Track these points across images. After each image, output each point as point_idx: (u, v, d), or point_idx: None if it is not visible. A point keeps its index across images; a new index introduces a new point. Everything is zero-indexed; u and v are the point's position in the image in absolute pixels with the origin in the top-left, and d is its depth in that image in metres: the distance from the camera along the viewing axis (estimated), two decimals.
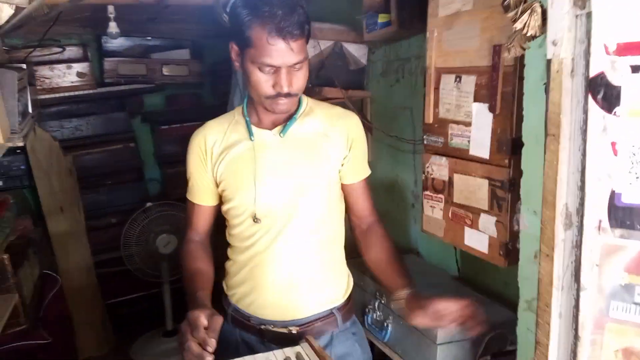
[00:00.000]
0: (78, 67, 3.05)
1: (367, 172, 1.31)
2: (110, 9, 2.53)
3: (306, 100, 1.30)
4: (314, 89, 2.10)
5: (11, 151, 2.98)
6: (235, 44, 1.16)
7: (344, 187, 1.30)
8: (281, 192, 1.22)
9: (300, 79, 1.15)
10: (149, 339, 3.10)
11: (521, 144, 1.08)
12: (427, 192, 1.45)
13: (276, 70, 1.11)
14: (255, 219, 1.23)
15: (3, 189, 2.96)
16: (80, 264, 3.06)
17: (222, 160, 1.25)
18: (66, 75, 3.00)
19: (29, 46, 2.88)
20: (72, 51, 3.14)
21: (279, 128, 1.23)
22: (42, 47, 2.97)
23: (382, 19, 1.86)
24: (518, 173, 1.11)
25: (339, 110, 1.30)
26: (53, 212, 2.99)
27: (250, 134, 1.23)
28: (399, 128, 2.09)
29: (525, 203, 1.04)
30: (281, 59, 1.09)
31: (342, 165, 1.26)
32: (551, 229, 0.93)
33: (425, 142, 1.46)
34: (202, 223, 1.33)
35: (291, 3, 1.09)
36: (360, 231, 1.33)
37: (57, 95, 3.00)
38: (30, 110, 2.31)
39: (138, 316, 3.29)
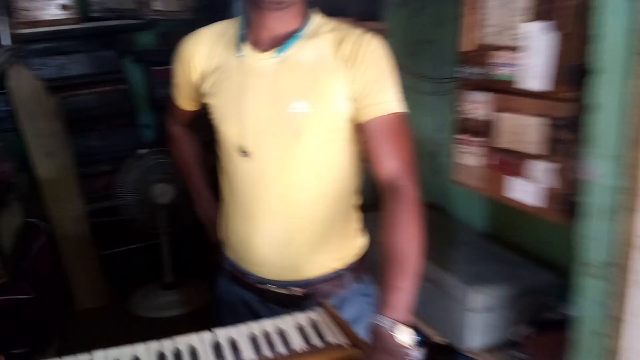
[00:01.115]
0: None
1: (389, 108, 0.99)
2: None
3: (316, 20, 1.06)
4: None
5: None
6: None
7: (363, 129, 1.02)
8: (272, 128, 1.03)
9: None
10: (148, 292, 2.98)
11: (587, 72, 0.86)
12: (461, 136, 1.23)
13: None
14: (243, 152, 1.04)
15: None
16: (72, 213, 2.89)
17: (208, 79, 1.08)
18: (48, 7, 2.71)
19: None
20: None
21: (273, 50, 1.01)
22: None
23: None
24: (581, 109, 0.89)
25: (354, 31, 1.03)
26: (41, 157, 2.79)
27: (239, 50, 1.03)
28: (418, 66, 1.85)
29: (598, 146, 0.84)
30: None
31: (354, 99, 1.01)
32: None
33: (459, 75, 1.23)
34: (182, 118, 1.29)
35: None
36: (382, 190, 0.99)
37: (38, 29, 2.71)
38: (4, 41, 2.07)
39: (135, 268, 3.16)
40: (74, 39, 2.92)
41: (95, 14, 2.85)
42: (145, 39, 3.27)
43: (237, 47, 1.04)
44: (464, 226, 1.62)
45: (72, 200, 2.92)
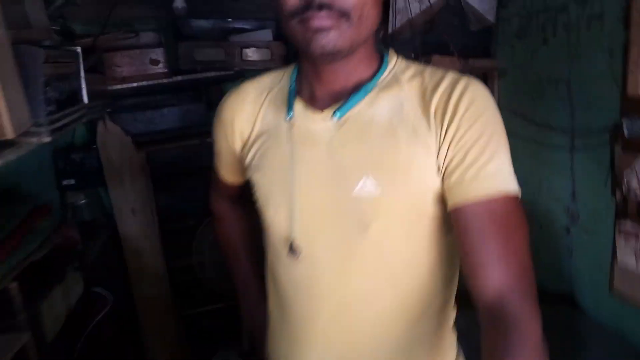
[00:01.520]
0: (151, 53, 2.74)
1: (494, 187, 0.66)
2: None
3: (393, 63, 0.78)
4: (418, 59, 1.50)
5: (85, 147, 2.77)
6: None
7: (451, 218, 0.71)
8: (330, 217, 0.74)
9: None
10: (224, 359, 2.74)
11: None
12: (627, 223, 0.79)
13: None
14: (292, 250, 0.77)
15: (76, 187, 2.76)
16: (152, 270, 2.78)
17: (250, 147, 0.86)
18: (138, 62, 2.70)
19: (105, 32, 2.62)
20: (147, 36, 2.84)
21: (333, 108, 0.75)
22: (115, 32, 2.72)
23: None
24: None
25: (443, 76, 0.73)
26: (124, 214, 2.74)
27: (289, 109, 0.78)
28: (545, 112, 1.42)
29: None
30: None
31: (443, 172, 0.70)
32: None
33: (625, 131, 0.80)
34: (228, 193, 1.08)
35: None
36: (482, 318, 0.66)
37: (128, 85, 2.70)
38: (85, 99, 2.00)
39: (215, 331, 2.95)
40: (163, 92, 2.90)
41: (185, 67, 2.79)
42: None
43: (287, 106, 0.79)
44: (613, 337, 1.10)
45: (153, 258, 2.82)
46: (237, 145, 0.89)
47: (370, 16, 0.70)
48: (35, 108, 1.48)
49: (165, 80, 2.78)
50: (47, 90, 1.54)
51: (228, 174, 0.99)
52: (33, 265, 1.49)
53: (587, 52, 1.23)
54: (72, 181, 2.74)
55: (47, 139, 1.51)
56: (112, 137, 2.66)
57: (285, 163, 0.77)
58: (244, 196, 1.07)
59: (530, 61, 1.46)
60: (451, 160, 0.68)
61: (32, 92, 1.47)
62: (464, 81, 0.71)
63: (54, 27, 1.98)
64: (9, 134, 1.29)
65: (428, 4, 1.49)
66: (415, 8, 1.50)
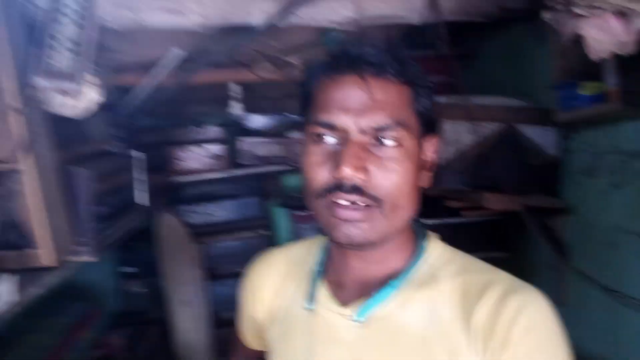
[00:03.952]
0: (213, 148, 2.83)
1: None
2: (234, 87, 2.23)
3: (433, 253, 0.67)
4: (466, 194, 1.39)
5: (146, 235, 2.84)
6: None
7: None
8: None
9: (392, 172, 0.61)
10: None
11: None
12: None
13: (342, 141, 0.62)
14: None
15: (136, 276, 2.82)
16: None
17: (271, 326, 0.78)
18: (200, 157, 2.79)
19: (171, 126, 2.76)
20: (211, 131, 2.95)
21: (358, 304, 0.66)
22: (181, 127, 2.85)
23: (589, 90, 1.11)
24: None
25: (491, 280, 0.60)
26: (176, 306, 2.73)
27: (310, 300, 0.71)
28: (620, 266, 1.23)
29: None
30: (349, 107, 0.61)
31: None
32: None
33: None
34: (248, 355, 0.93)
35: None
36: None
37: (190, 178, 2.79)
38: (146, 199, 2.07)
39: None
40: (222, 184, 2.95)
41: (245, 162, 2.84)
42: (292, 182, 3.19)
43: (310, 290, 0.72)
44: None
45: (203, 353, 2.76)
46: (260, 314, 0.82)
47: (405, 208, 0.63)
48: (82, 228, 1.50)
49: (224, 174, 2.84)
50: (96, 209, 1.57)
51: (249, 337, 0.91)
52: None
53: None
54: (132, 269, 2.80)
55: (92, 259, 1.51)
56: (169, 229, 2.71)
57: (303, 358, 0.69)
58: None
59: (601, 205, 1.27)
60: None
61: (80, 213, 1.50)
62: (519, 295, 0.57)
63: (116, 135, 2.06)
64: (52, 262, 1.30)
65: (480, 135, 1.39)
66: (467, 139, 1.40)
